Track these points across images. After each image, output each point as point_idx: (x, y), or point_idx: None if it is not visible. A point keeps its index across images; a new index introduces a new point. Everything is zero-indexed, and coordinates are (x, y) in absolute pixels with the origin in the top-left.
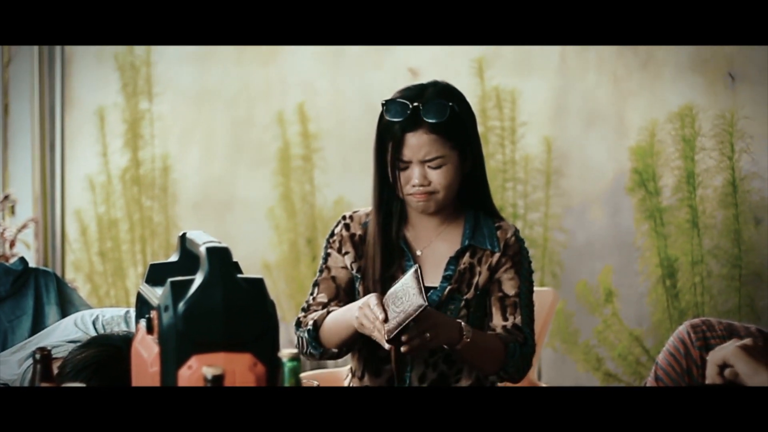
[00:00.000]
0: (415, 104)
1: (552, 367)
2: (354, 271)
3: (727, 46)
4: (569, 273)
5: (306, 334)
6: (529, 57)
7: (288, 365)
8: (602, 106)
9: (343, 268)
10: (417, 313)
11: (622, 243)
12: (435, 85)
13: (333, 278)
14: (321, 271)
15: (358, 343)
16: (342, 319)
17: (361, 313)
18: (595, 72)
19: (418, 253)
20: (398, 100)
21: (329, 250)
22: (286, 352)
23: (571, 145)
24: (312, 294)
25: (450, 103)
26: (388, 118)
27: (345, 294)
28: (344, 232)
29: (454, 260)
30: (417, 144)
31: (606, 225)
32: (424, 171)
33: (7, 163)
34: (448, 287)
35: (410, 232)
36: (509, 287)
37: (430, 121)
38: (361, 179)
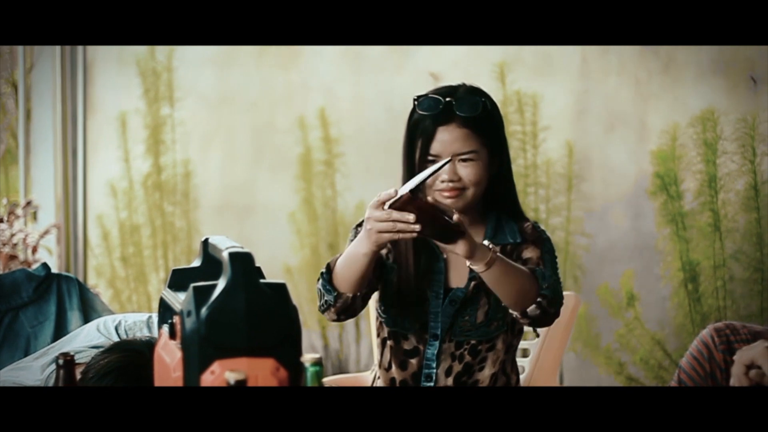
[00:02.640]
0: (448, 99)
1: (574, 372)
2: (390, 261)
3: (749, 49)
4: (591, 277)
5: (321, 279)
6: (550, 61)
7: (311, 370)
8: (624, 110)
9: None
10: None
11: (643, 247)
12: (465, 85)
13: None
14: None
15: (371, 282)
16: (353, 249)
17: (372, 216)
18: (616, 75)
19: (444, 255)
20: (431, 95)
21: (359, 229)
22: (308, 356)
23: (592, 149)
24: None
25: (483, 99)
26: (420, 111)
27: (377, 270)
28: None
29: None
30: (449, 138)
31: (628, 229)
32: (454, 167)
33: (29, 168)
34: (474, 283)
35: None
36: (528, 254)
37: (463, 115)
38: (382, 183)
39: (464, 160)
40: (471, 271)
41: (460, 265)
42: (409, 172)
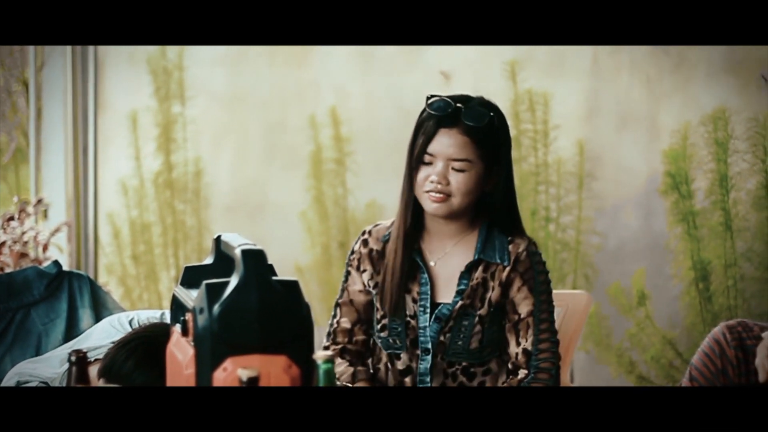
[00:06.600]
0: (458, 105)
1: (585, 370)
2: (371, 288)
3: (761, 48)
4: (602, 276)
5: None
6: (562, 59)
7: (323, 367)
8: (635, 109)
9: (360, 291)
10: None
11: (654, 246)
12: (482, 98)
13: (351, 302)
14: (342, 291)
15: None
16: None
17: None
18: (627, 74)
19: (432, 263)
20: (444, 97)
21: (349, 269)
22: (320, 354)
23: (603, 147)
24: (335, 317)
25: (491, 114)
26: (428, 110)
27: (366, 316)
28: (362, 249)
29: (466, 275)
30: (447, 141)
31: (639, 228)
32: (446, 171)
33: (40, 166)
34: (460, 302)
35: (426, 242)
36: (523, 308)
37: (467, 123)
38: (393, 182)
39: (457, 169)
40: (458, 284)
41: (445, 280)
42: (409, 169)
